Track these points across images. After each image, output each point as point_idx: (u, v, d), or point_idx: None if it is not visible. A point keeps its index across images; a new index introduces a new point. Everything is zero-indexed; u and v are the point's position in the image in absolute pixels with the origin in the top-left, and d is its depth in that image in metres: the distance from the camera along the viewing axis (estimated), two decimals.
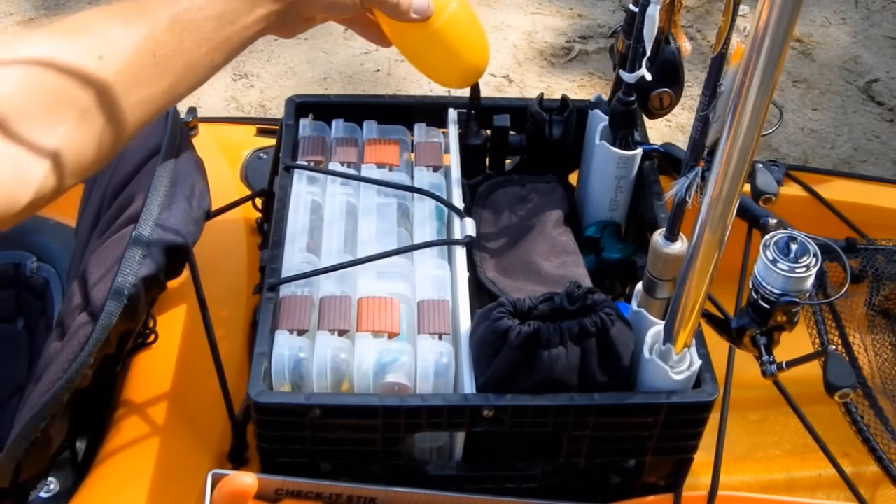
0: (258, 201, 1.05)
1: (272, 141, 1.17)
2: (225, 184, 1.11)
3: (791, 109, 2.36)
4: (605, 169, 0.95)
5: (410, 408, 0.74)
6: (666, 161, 0.98)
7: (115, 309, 0.75)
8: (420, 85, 2.22)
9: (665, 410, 0.75)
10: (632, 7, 0.86)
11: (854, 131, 2.32)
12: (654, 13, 0.82)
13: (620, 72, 0.89)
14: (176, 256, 0.82)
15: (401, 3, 0.82)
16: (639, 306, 0.78)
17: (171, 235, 0.81)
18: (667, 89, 0.91)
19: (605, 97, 0.97)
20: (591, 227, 0.97)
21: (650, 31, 0.83)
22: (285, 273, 0.82)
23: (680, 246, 0.72)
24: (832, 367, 0.75)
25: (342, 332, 0.78)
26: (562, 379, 0.74)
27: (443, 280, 0.84)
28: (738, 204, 0.62)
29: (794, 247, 0.71)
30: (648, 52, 0.85)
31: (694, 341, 0.74)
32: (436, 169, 0.96)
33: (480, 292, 0.89)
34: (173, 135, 0.89)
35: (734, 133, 0.58)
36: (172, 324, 0.94)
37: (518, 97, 2.20)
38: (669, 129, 2.25)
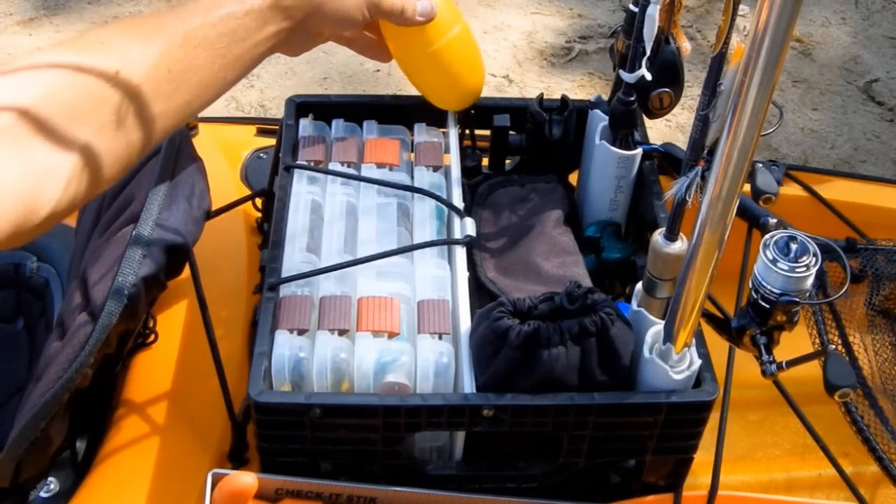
0: (258, 201, 1.05)
1: (272, 141, 1.17)
2: (225, 184, 1.11)
3: (791, 109, 2.36)
4: (605, 169, 0.95)
5: (410, 407, 0.74)
6: (666, 161, 0.98)
7: (115, 309, 0.75)
8: None
9: (665, 410, 0.75)
10: (632, 7, 0.86)
11: (854, 131, 2.32)
12: (654, 13, 0.82)
13: (620, 72, 0.89)
14: (176, 256, 0.82)
15: (406, 10, 0.84)
16: (639, 306, 0.78)
17: (171, 235, 0.81)
18: (667, 89, 0.91)
19: (605, 97, 0.97)
20: (591, 227, 0.97)
21: (650, 31, 0.83)
22: (285, 273, 0.82)
23: (680, 246, 0.72)
24: (832, 367, 0.75)
25: (342, 332, 0.78)
26: (562, 378, 0.74)
27: (443, 280, 0.84)
28: (738, 204, 0.62)
29: (794, 246, 0.71)
30: (648, 52, 0.85)
31: (694, 341, 0.74)
32: (436, 169, 0.96)
33: (480, 292, 0.89)
34: (173, 135, 0.89)
35: (734, 133, 0.58)
36: (172, 324, 0.94)
37: (518, 97, 2.20)
38: (669, 129, 2.25)
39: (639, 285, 0.78)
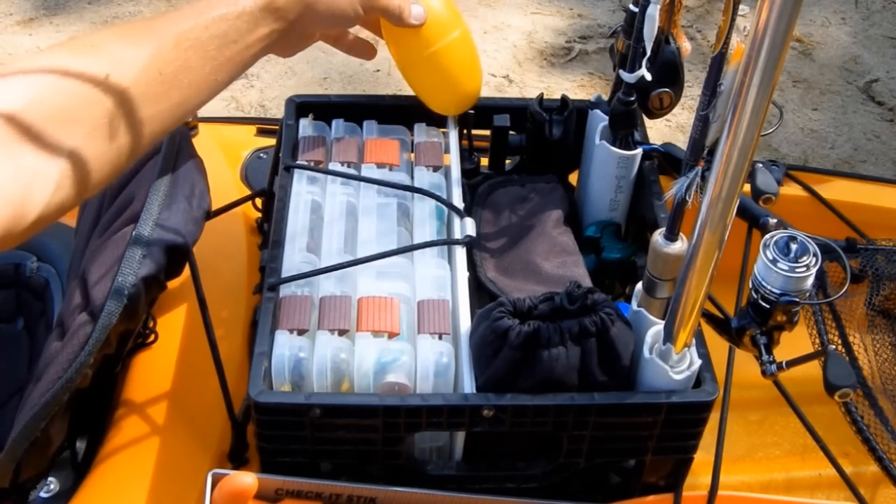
0: (258, 201, 1.05)
1: (272, 141, 1.17)
2: (225, 184, 1.11)
3: (791, 109, 2.36)
4: (605, 169, 0.95)
5: (410, 407, 0.74)
6: (666, 161, 0.98)
7: (115, 309, 0.75)
8: None
9: (665, 410, 0.75)
10: (632, 7, 0.86)
11: (854, 131, 2.32)
12: (654, 13, 0.82)
13: (620, 72, 0.89)
14: (176, 256, 0.82)
15: (403, 10, 0.84)
16: (639, 306, 0.78)
17: (171, 235, 0.81)
18: (667, 89, 0.91)
19: (605, 97, 0.97)
20: (591, 227, 0.97)
21: (650, 31, 0.83)
22: (285, 273, 0.82)
23: (680, 246, 0.72)
24: (832, 367, 0.75)
25: (342, 332, 0.78)
26: (562, 379, 0.74)
27: (443, 280, 0.84)
28: (738, 204, 0.62)
29: (794, 247, 0.71)
30: (648, 52, 0.85)
31: (694, 341, 0.74)
32: (436, 169, 0.96)
33: (480, 292, 0.89)
34: (173, 135, 0.89)
35: (734, 133, 0.58)
36: (172, 324, 0.94)
37: (518, 97, 2.20)
38: (669, 129, 2.25)
39: (639, 285, 0.78)
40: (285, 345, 0.76)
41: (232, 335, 0.94)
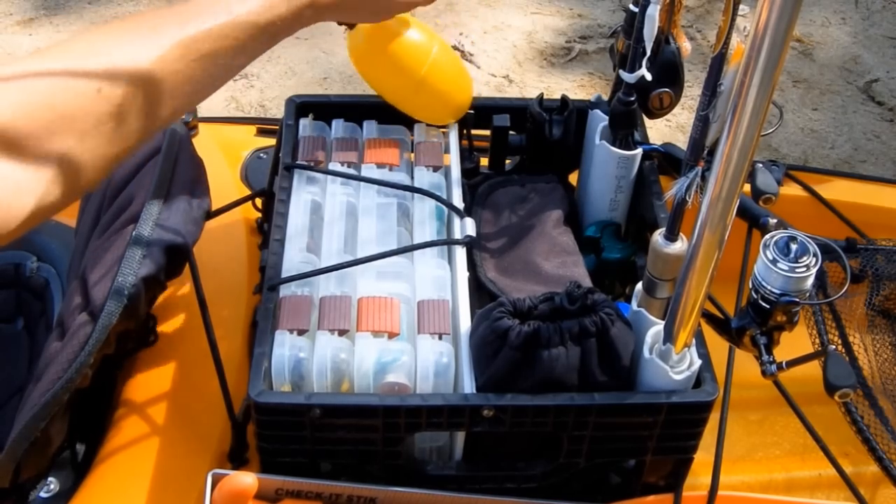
0: (258, 201, 1.05)
1: (272, 141, 1.17)
2: (225, 184, 1.11)
3: (791, 109, 2.36)
4: (605, 169, 0.95)
5: (410, 408, 0.74)
6: (666, 161, 0.98)
7: (115, 309, 0.75)
8: None
9: (665, 410, 0.75)
10: (632, 7, 0.86)
11: (854, 131, 2.32)
12: (654, 13, 0.82)
13: (620, 72, 0.89)
14: (176, 256, 0.82)
15: None
16: (639, 306, 0.78)
17: (171, 235, 0.81)
18: (667, 89, 0.91)
19: (605, 97, 0.97)
20: (591, 227, 0.97)
21: (650, 31, 0.83)
22: (285, 273, 0.82)
23: (680, 246, 0.72)
24: (832, 367, 0.75)
25: (342, 332, 0.78)
26: (562, 379, 0.74)
27: (443, 280, 0.84)
28: (738, 204, 0.62)
29: (794, 247, 0.71)
30: (648, 52, 0.85)
31: (694, 341, 0.74)
32: (436, 169, 0.96)
33: (480, 292, 0.89)
34: (173, 135, 0.89)
35: (734, 133, 0.58)
36: (172, 324, 0.94)
37: (518, 97, 2.20)
38: (669, 129, 2.25)
39: (639, 285, 0.78)
40: (285, 345, 0.76)
41: (232, 335, 0.94)
